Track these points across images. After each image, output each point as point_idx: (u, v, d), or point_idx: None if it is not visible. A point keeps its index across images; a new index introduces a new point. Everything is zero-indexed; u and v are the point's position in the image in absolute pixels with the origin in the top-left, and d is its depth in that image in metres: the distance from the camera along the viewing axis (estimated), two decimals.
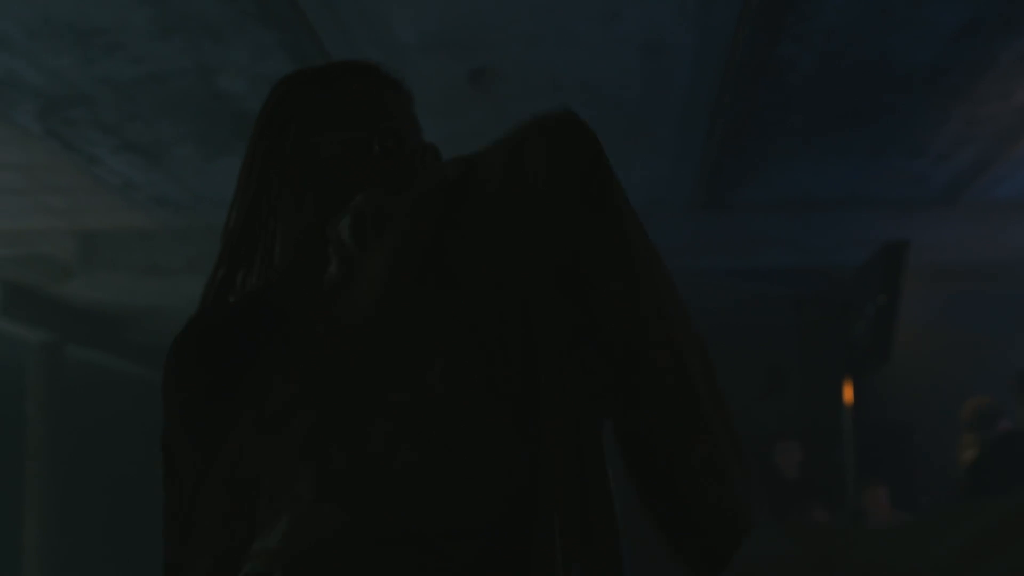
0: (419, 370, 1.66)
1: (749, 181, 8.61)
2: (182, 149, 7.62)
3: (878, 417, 10.77)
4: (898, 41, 6.22)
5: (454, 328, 1.68)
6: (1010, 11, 5.91)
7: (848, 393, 8.66)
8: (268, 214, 2.13)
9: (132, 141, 7.46)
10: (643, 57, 6.35)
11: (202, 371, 2.01)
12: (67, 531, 11.43)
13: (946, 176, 8.45)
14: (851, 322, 8.36)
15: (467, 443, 1.65)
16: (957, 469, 7.51)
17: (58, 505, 11.27)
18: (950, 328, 11.57)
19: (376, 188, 1.90)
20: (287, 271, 2.10)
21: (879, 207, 9.09)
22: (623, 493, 1.97)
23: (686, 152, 7.94)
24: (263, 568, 1.63)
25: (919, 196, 8.93)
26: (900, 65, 6.52)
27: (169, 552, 1.96)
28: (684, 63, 6.43)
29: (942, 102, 7.04)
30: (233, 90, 6.65)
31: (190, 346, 2.09)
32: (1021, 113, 7.20)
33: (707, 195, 8.92)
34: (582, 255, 1.74)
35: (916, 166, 8.24)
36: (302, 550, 1.61)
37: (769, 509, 9.41)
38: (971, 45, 6.24)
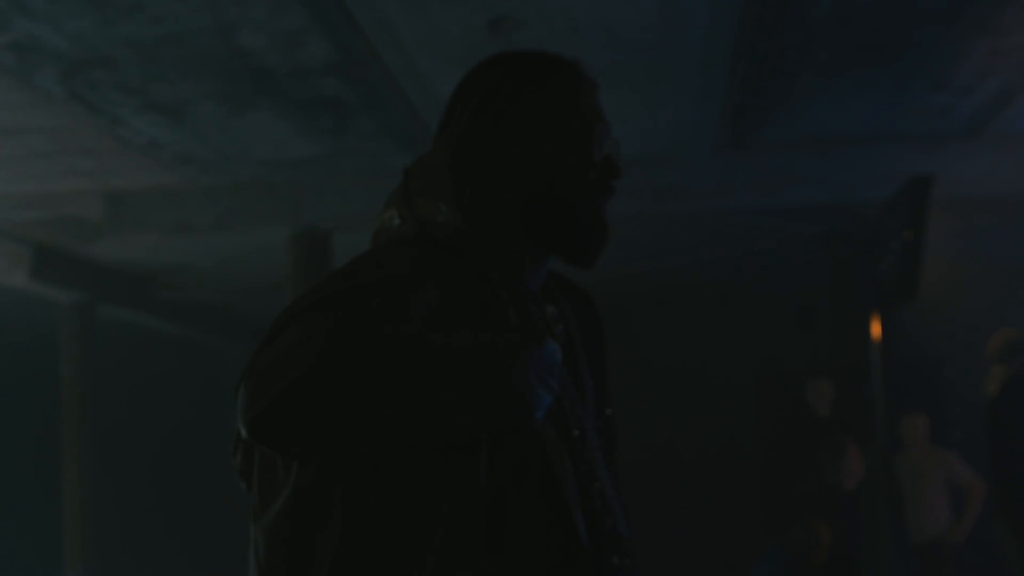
0: None
1: (773, 120, 8.59)
2: (205, 107, 7.65)
3: (908, 352, 10.77)
4: None
5: None
6: None
7: (876, 329, 8.66)
8: None
9: (155, 101, 7.48)
10: None
11: None
12: (105, 486, 11.55)
13: (971, 108, 8.41)
14: (878, 258, 8.34)
15: None
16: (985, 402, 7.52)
17: (96, 463, 11.38)
18: (979, 261, 11.55)
19: None
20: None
21: (904, 141, 9.06)
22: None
23: (709, 93, 7.92)
24: None
25: (944, 129, 8.89)
26: None
27: None
28: (702, 3, 6.41)
29: (965, 34, 6.99)
30: (253, 46, 6.65)
31: None
32: None
33: (732, 135, 8.91)
34: None
35: (940, 99, 8.21)
36: None
37: (802, 446, 9.45)
38: None
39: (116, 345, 12.76)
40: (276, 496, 1.97)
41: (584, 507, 2.03)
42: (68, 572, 11.11)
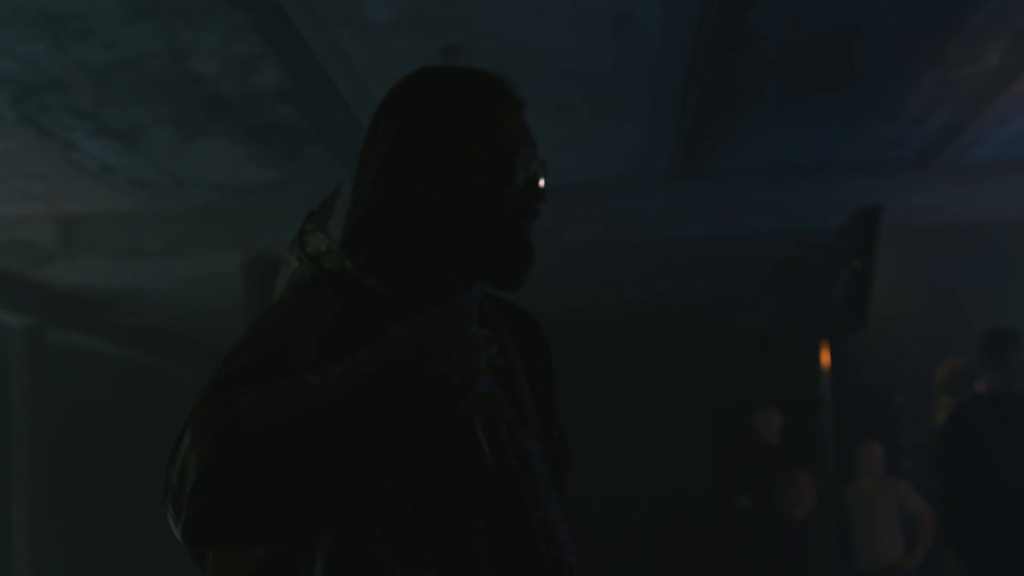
0: None
1: (725, 149, 8.64)
2: (158, 132, 7.62)
3: (858, 381, 10.82)
4: (868, 6, 6.25)
5: None
6: None
7: (825, 357, 8.71)
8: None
9: (108, 125, 7.46)
10: (614, 29, 6.37)
11: None
12: (55, 512, 11.46)
13: (921, 139, 8.49)
14: (828, 287, 8.40)
15: None
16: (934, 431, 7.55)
17: (45, 487, 11.29)
18: (929, 290, 11.63)
19: None
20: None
21: (856, 171, 9.14)
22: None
23: (661, 122, 7.96)
24: None
25: (895, 159, 8.97)
26: (871, 30, 6.54)
27: None
28: (655, 34, 6.45)
29: (914, 66, 7.06)
30: (206, 73, 6.65)
31: None
32: (993, 75, 7.23)
33: (684, 164, 8.95)
34: None
35: (891, 130, 8.28)
36: None
37: (755, 474, 9.48)
38: (941, 9, 6.26)
39: (67, 369, 12.68)
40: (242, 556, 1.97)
41: (525, 536, 2.00)
42: None
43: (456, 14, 6.16)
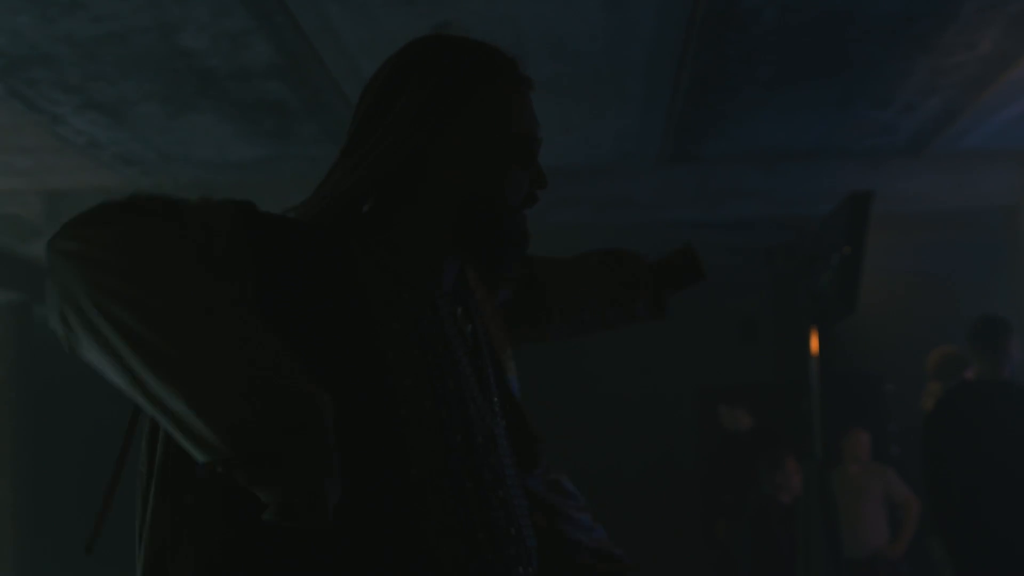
0: None
1: (716, 133, 8.61)
2: (146, 107, 7.58)
3: (847, 367, 10.81)
4: None
5: None
6: None
7: (814, 343, 8.70)
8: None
9: (95, 100, 7.41)
10: (607, 10, 6.33)
11: None
12: (38, 489, 11.43)
13: (913, 126, 8.47)
14: (817, 273, 8.39)
15: None
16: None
17: (29, 464, 11.27)
18: (920, 277, 11.62)
19: None
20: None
21: (847, 157, 9.12)
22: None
23: (653, 105, 7.93)
24: None
25: (887, 146, 8.95)
26: (865, 15, 6.51)
27: None
28: (648, 16, 6.41)
29: (908, 52, 7.03)
30: (195, 47, 6.60)
31: None
32: (986, 63, 7.20)
33: (675, 147, 8.92)
34: None
35: (883, 116, 8.25)
36: None
37: (740, 459, 9.47)
38: None
39: (52, 345, 12.63)
40: None
41: (486, 517, 1.99)
42: None
43: None
